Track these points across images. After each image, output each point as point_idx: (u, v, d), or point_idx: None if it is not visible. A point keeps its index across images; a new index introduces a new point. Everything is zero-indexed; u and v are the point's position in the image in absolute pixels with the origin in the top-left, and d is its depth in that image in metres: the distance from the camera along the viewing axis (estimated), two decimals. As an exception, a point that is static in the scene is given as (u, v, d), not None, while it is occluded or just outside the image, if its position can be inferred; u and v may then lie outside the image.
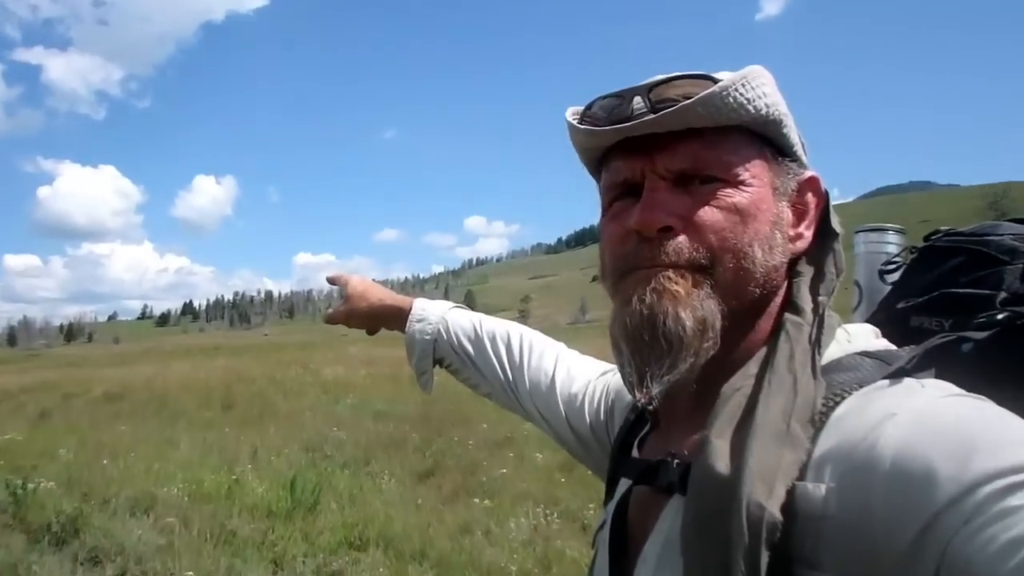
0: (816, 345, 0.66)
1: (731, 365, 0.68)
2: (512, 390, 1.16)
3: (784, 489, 0.57)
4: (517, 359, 1.16)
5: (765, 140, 0.72)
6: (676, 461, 0.69)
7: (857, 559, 0.54)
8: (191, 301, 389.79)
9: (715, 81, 0.67)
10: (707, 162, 0.68)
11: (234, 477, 7.02)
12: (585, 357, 1.17)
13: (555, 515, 5.65)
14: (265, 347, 51.30)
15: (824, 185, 0.76)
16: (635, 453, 0.83)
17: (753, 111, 0.68)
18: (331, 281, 1.41)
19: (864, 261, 1.11)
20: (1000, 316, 0.75)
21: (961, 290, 0.83)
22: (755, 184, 0.69)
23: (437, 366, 1.28)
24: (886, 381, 0.62)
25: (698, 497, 0.61)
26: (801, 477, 0.58)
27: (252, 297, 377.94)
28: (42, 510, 5.79)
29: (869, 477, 0.54)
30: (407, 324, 1.27)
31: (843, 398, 0.62)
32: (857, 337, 0.70)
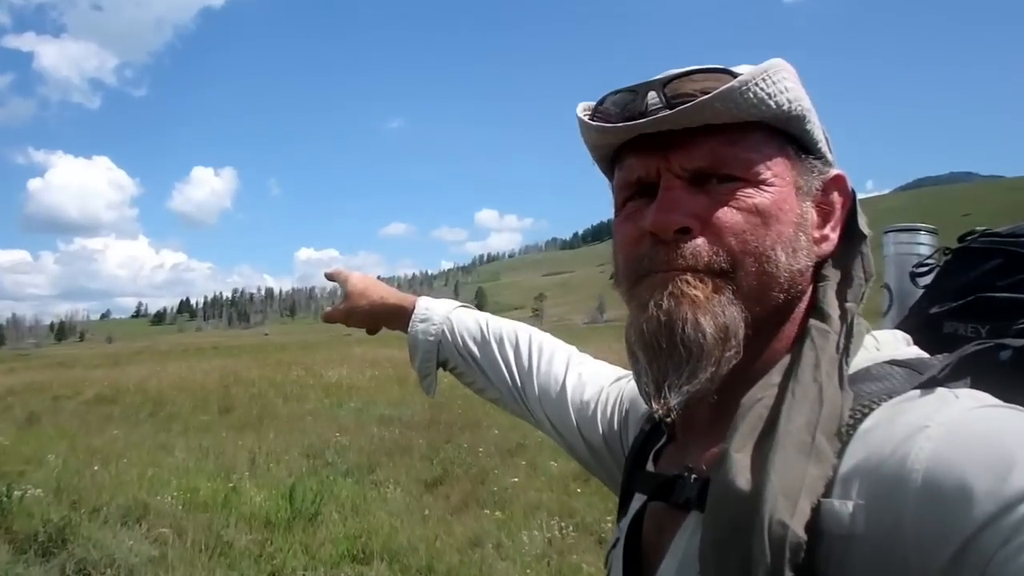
0: (843, 353, 0.66)
1: (753, 375, 0.67)
2: (520, 396, 1.16)
3: (809, 506, 0.56)
4: (526, 363, 1.16)
5: (787, 137, 0.71)
6: (694, 476, 0.69)
7: None
8: (188, 299, 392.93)
9: (734, 75, 0.67)
10: (726, 160, 0.68)
11: (231, 485, 7.06)
12: (597, 362, 1.17)
13: (570, 528, 5.65)
14: (265, 347, 51.53)
15: (851, 184, 0.76)
16: (650, 466, 0.83)
17: (774, 106, 0.68)
18: (330, 277, 1.41)
19: (894, 263, 1.11)
20: None
21: (999, 294, 0.82)
22: (777, 183, 0.69)
23: (441, 369, 1.29)
24: (917, 391, 0.61)
25: (717, 514, 0.61)
26: (827, 494, 0.57)
27: (252, 295, 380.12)
28: (29, 519, 5.83)
29: (899, 494, 0.53)
30: (410, 324, 1.27)
31: (871, 409, 0.61)
32: (887, 344, 0.70)
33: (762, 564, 0.55)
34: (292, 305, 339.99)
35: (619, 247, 0.74)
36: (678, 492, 0.70)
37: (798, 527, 0.55)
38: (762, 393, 0.65)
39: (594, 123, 0.74)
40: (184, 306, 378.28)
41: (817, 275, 0.73)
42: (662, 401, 0.67)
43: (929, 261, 1.03)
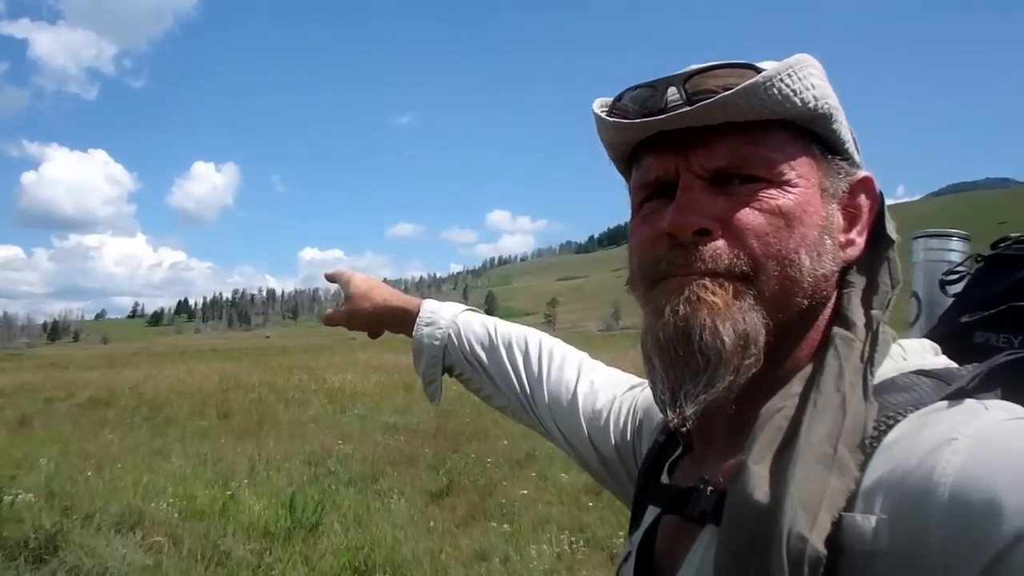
0: (868, 363, 0.66)
1: (774, 384, 0.67)
2: (529, 404, 1.16)
3: (829, 520, 0.56)
4: (535, 369, 1.16)
5: (813, 136, 0.71)
6: (710, 488, 0.69)
7: None
8: (186, 299, 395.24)
9: (758, 71, 0.67)
10: (748, 159, 0.68)
11: (229, 493, 7.09)
12: (610, 369, 1.17)
13: (581, 543, 5.64)
14: (266, 350, 51.73)
15: (878, 187, 0.76)
16: (664, 478, 0.84)
17: (800, 104, 0.68)
18: (331, 278, 1.41)
19: (923, 270, 1.10)
20: None
21: None
22: (801, 184, 0.69)
23: (447, 375, 1.29)
24: (945, 402, 0.61)
25: (734, 528, 0.61)
26: (849, 507, 0.57)
27: (253, 296, 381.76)
28: (19, 525, 5.86)
29: (925, 509, 0.53)
30: (414, 328, 1.28)
31: (896, 421, 0.61)
32: (913, 354, 0.70)
33: None
34: (295, 307, 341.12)
35: (635, 249, 0.74)
36: (693, 505, 0.70)
37: (818, 542, 0.55)
38: (782, 403, 0.65)
39: (611, 119, 0.74)
40: (182, 307, 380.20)
41: (842, 281, 0.73)
42: (678, 410, 0.67)
43: (960, 268, 1.03)
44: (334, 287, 1.42)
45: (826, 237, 0.70)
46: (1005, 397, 0.62)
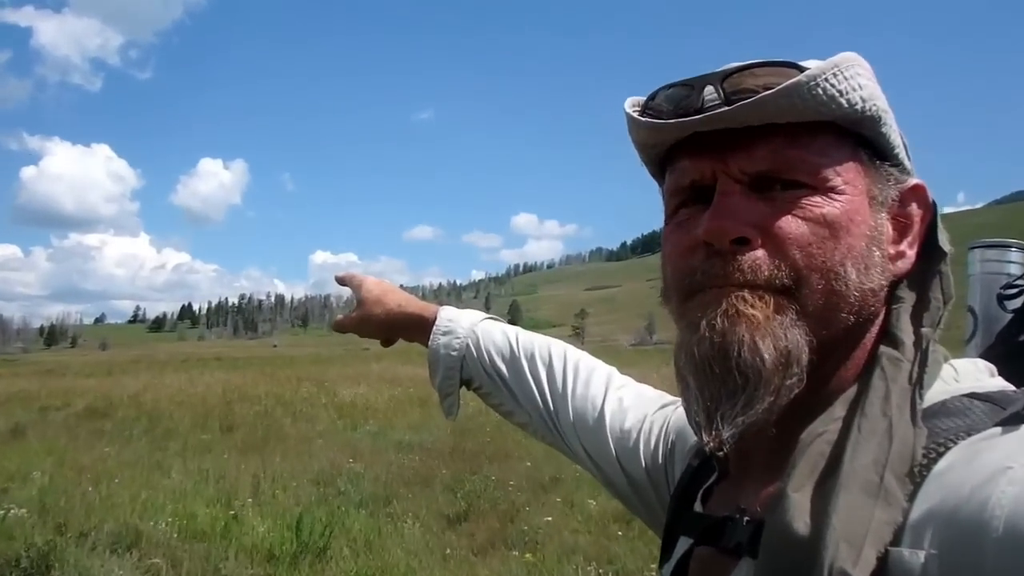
0: (917, 384, 0.65)
1: (816, 406, 0.67)
2: (552, 421, 1.16)
3: (874, 554, 0.56)
4: (560, 384, 1.16)
5: (860, 140, 0.71)
6: (746, 518, 0.69)
7: None
8: (190, 304, 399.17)
9: (801, 69, 0.67)
10: (790, 164, 0.68)
11: (232, 512, 7.15)
12: (640, 385, 1.17)
13: (609, 575, 5.62)
14: (273, 360, 52.01)
15: (931, 195, 0.76)
16: (698, 506, 0.83)
17: (846, 105, 0.67)
18: (341, 281, 1.42)
19: (980, 284, 1.09)
20: None
21: None
22: (848, 192, 0.69)
23: (465, 388, 1.29)
24: (999, 428, 0.60)
25: (771, 561, 0.61)
26: (895, 541, 0.57)
27: (260, 301, 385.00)
28: (10, 541, 5.96)
29: (978, 543, 0.52)
30: (430, 336, 1.27)
31: (947, 448, 0.60)
32: (966, 375, 0.70)
33: None
34: (304, 314, 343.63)
35: (668, 258, 0.74)
36: (728, 535, 0.70)
37: None
38: (825, 427, 0.64)
39: (643, 120, 0.74)
40: (186, 312, 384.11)
41: (891, 296, 0.73)
42: (714, 433, 0.66)
43: (1020, 282, 1.01)
44: (347, 293, 1.42)
45: (874, 248, 0.70)
46: None
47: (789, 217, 0.67)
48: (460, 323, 1.27)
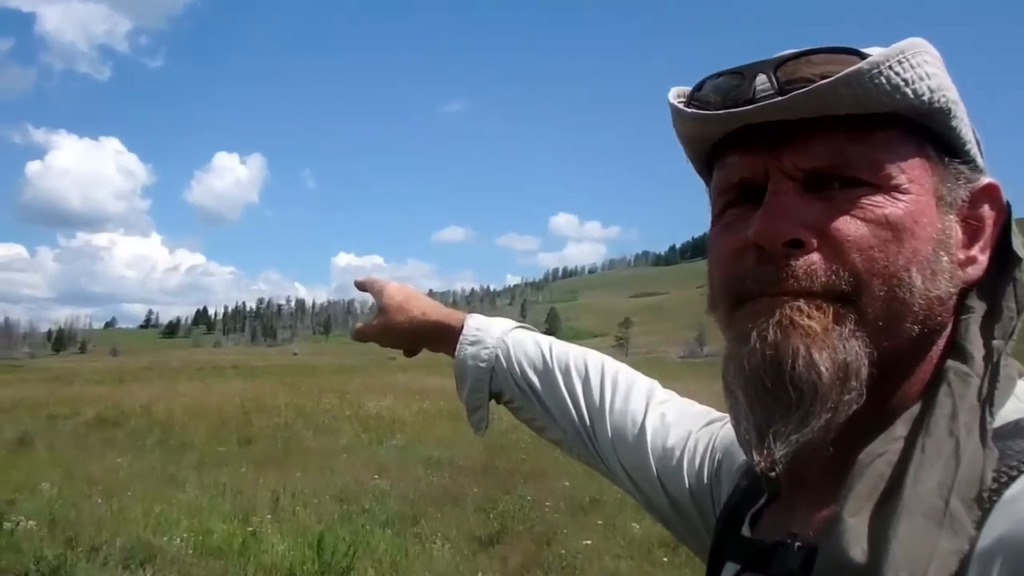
0: (987, 402, 0.64)
1: (877, 424, 0.66)
2: (589, 438, 1.14)
3: None
4: (597, 397, 1.15)
5: (927, 135, 0.70)
6: (798, 544, 0.68)
7: None
8: (205, 308, 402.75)
9: (863, 56, 0.66)
10: (850, 160, 0.67)
11: (250, 529, 7.25)
12: (684, 400, 1.15)
13: (652, 604, 5.61)
14: (293, 369, 52.47)
15: (1005, 196, 0.74)
16: (746, 530, 0.82)
17: (912, 96, 0.66)
18: (361, 287, 1.42)
19: None
20: None
21: None
22: (913, 191, 0.67)
23: (494, 401, 1.28)
24: None
25: None
26: (961, 571, 0.56)
27: (280, 306, 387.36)
28: (19, 555, 6.07)
29: None
30: (457, 346, 1.27)
31: (1020, 472, 0.60)
32: None
33: None
34: (326, 320, 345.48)
35: (716, 263, 0.74)
36: (779, 562, 0.70)
37: None
38: (885, 447, 0.64)
39: (689, 111, 0.74)
40: (201, 316, 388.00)
41: (960, 306, 0.71)
42: (765, 452, 0.66)
43: None
44: (372, 299, 1.41)
45: (942, 253, 0.68)
46: None
47: (848, 218, 0.66)
48: (489, 332, 1.27)
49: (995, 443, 0.61)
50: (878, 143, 0.68)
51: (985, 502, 0.58)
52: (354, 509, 8.61)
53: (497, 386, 1.25)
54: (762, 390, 0.66)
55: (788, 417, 0.65)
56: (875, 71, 0.65)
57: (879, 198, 0.67)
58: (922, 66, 0.67)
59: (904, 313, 0.66)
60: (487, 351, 1.25)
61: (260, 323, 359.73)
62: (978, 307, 0.71)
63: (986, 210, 0.73)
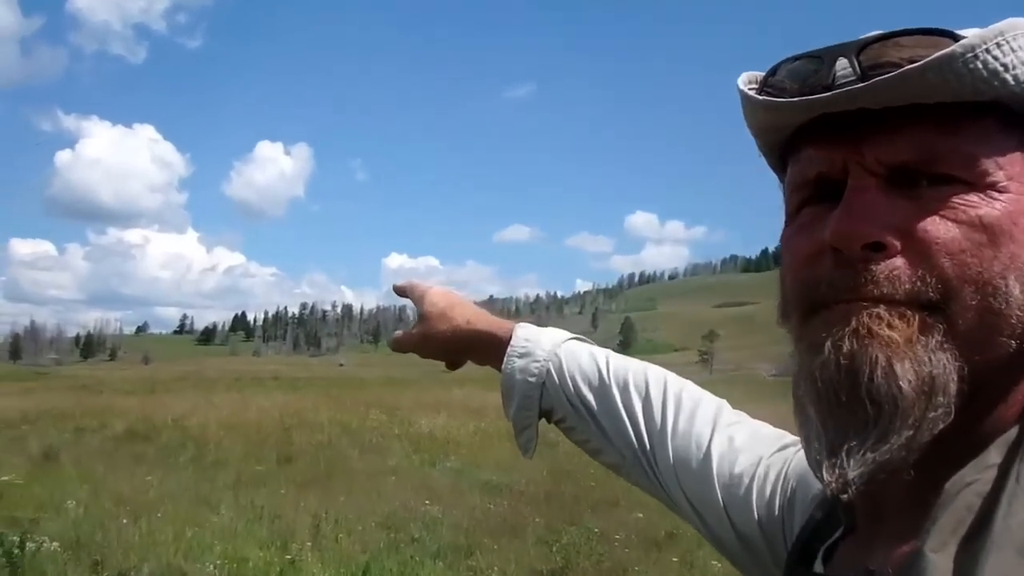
0: None
1: (966, 448, 0.65)
2: (649, 463, 1.14)
3: None
4: (658, 418, 1.14)
5: None
6: None
7: None
8: (244, 313, 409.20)
9: (956, 39, 0.64)
10: (940, 154, 0.66)
11: (288, 557, 7.34)
12: (755, 422, 1.14)
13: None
14: (339, 381, 52.92)
15: None
16: (819, 567, 0.81)
17: (1012, 82, 0.65)
18: (400, 291, 1.43)
19: None
20: None
21: None
22: (1012, 190, 0.66)
23: (544, 420, 1.27)
24: None
25: None
26: None
27: (325, 312, 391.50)
28: (42, 578, 6.24)
29: None
30: (504, 358, 1.26)
31: None
32: None
33: None
34: (376, 328, 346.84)
35: (788, 268, 0.73)
36: None
37: None
38: (976, 475, 0.63)
39: (760, 98, 0.73)
40: (239, 322, 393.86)
41: None
42: (837, 472, 0.64)
43: None
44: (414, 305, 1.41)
45: None
46: None
47: (936, 218, 0.65)
48: (540, 343, 1.26)
49: None
50: (972, 136, 0.66)
51: None
52: (402, 538, 8.67)
53: (548, 403, 1.24)
54: (836, 404, 0.65)
55: (864, 434, 0.64)
56: (970, 55, 0.63)
57: (972, 197, 0.65)
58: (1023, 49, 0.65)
59: (999, 325, 0.65)
60: (537, 365, 1.24)
61: (303, 330, 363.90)
62: None
63: None
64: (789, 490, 0.98)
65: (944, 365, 0.63)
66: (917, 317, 0.64)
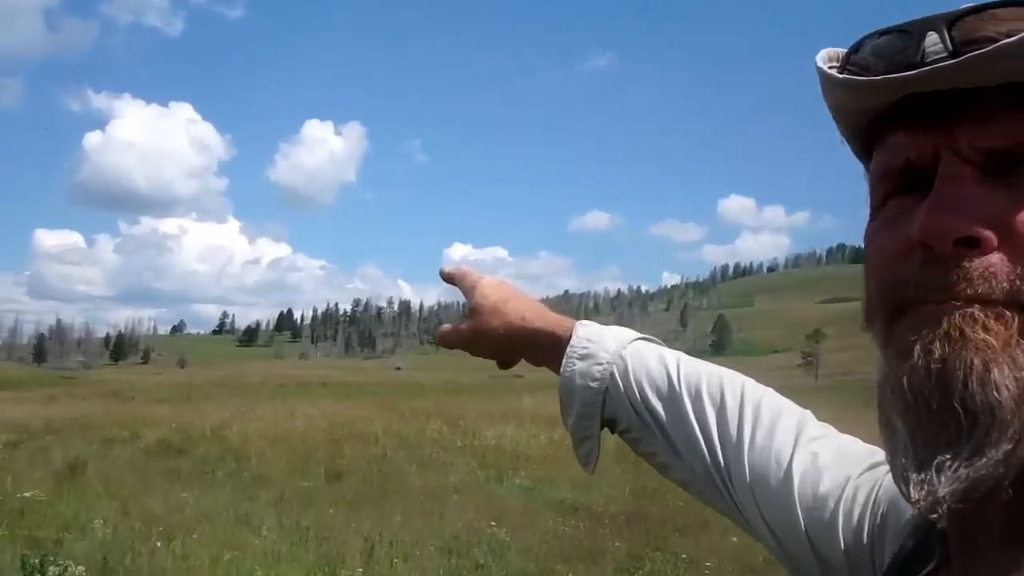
0: None
1: None
2: (723, 481, 1.13)
3: None
4: (734, 431, 1.13)
5: None
6: None
7: None
8: (290, 310, 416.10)
9: None
10: None
11: (338, 584, 7.39)
12: (844, 437, 1.12)
13: None
14: (395, 387, 53.50)
15: None
16: None
17: None
18: (448, 278, 1.45)
19: None
20: None
21: None
22: None
23: (607, 430, 1.27)
24: None
25: None
26: None
27: (380, 309, 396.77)
28: (66, 606, 6.37)
29: None
30: (563, 360, 1.26)
31: None
32: None
33: None
34: (437, 327, 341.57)
35: (873, 266, 0.73)
36: None
37: None
38: None
39: (839, 76, 0.73)
40: (285, 321, 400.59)
41: None
42: (926, 489, 0.64)
43: None
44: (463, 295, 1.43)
45: None
46: None
47: None
48: (603, 344, 1.25)
49: None
50: None
51: None
52: (465, 564, 8.74)
53: (611, 412, 1.23)
54: (925, 414, 0.64)
55: (957, 447, 0.63)
56: None
57: None
58: None
59: None
60: (600, 368, 1.23)
61: (356, 330, 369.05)
62: None
63: None
64: (879, 515, 0.97)
65: None
66: (1017, 318, 0.63)
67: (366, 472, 14.49)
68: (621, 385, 1.21)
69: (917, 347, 0.65)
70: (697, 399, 1.16)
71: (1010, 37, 0.62)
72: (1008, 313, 0.63)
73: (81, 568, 7.15)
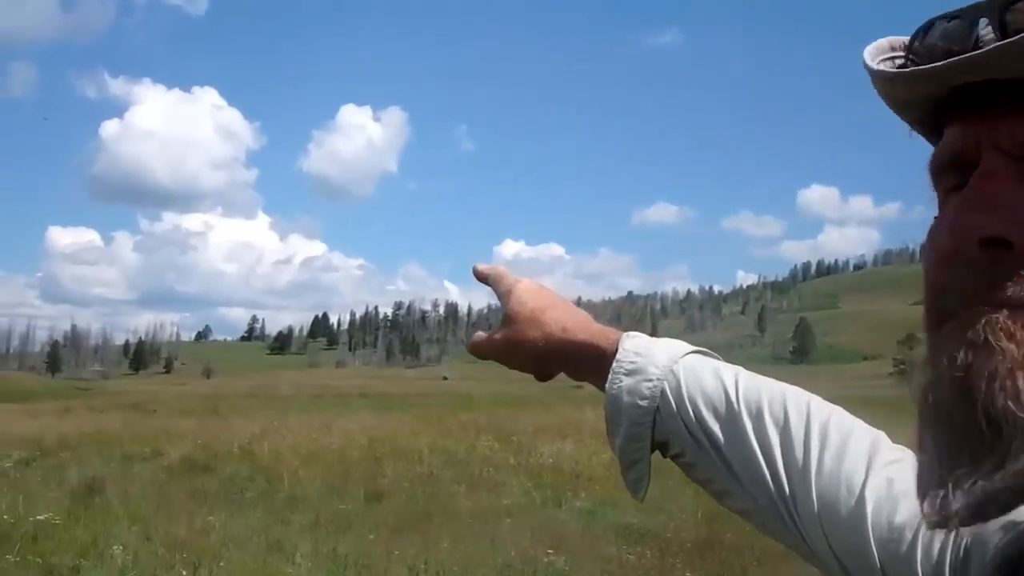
0: None
1: None
2: (788, 509, 1.11)
3: None
4: (800, 455, 1.12)
5: None
6: None
7: None
8: (325, 314, 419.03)
9: None
10: None
11: (379, 618, 7.42)
12: None
13: None
14: (442, 398, 53.68)
15: None
16: None
17: None
18: (482, 278, 1.45)
19: None
20: None
21: None
22: None
23: (659, 454, 1.26)
24: None
25: None
26: None
27: (424, 313, 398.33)
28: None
29: None
30: (609, 376, 1.25)
31: None
32: None
33: None
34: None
35: (925, 270, 0.73)
36: None
37: None
38: None
39: (878, 68, 0.75)
40: (320, 326, 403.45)
41: None
42: (939, 502, 0.65)
43: None
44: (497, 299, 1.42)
45: None
46: None
47: None
48: (653, 358, 1.24)
49: None
50: None
51: None
52: (520, 595, 8.70)
53: (662, 434, 1.22)
54: (947, 424, 0.66)
55: (977, 460, 0.63)
56: None
57: None
58: None
59: None
60: (649, 385, 1.22)
61: (398, 335, 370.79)
62: None
63: None
64: (962, 548, 0.95)
65: None
66: None
67: (409, 493, 14.56)
68: (673, 404, 1.20)
69: (944, 357, 0.66)
70: (758, 419, 1.15)
71: None
72: None
73: (99, 598, 7.24)
